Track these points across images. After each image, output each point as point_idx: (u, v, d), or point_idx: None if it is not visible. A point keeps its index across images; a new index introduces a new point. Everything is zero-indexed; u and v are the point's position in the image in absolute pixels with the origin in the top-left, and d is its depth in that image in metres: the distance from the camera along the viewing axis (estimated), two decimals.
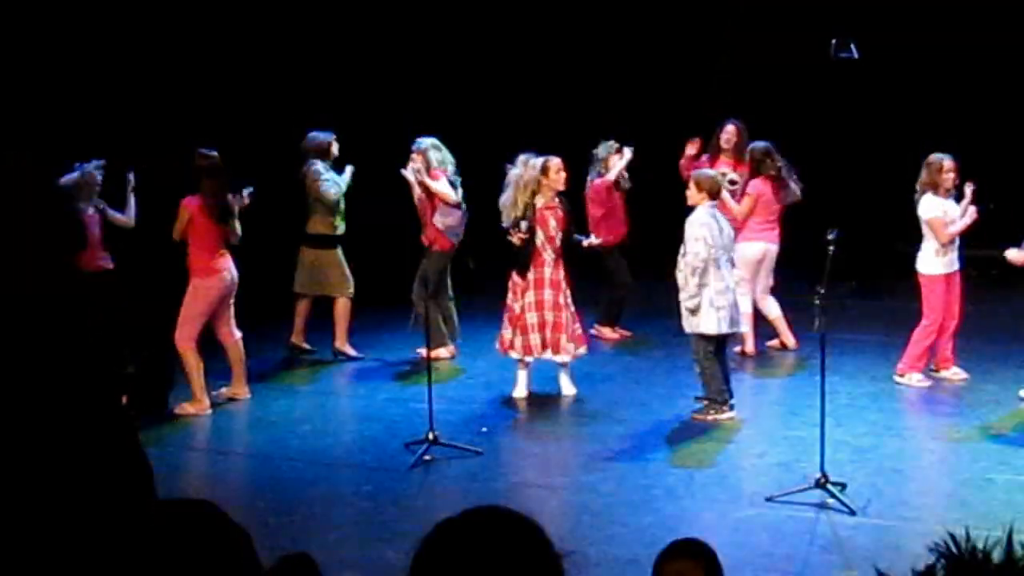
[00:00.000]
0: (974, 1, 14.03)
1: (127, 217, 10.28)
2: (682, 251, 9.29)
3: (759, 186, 10.91)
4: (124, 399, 7.30)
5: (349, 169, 10.98)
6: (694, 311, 9.20)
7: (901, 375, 10.07)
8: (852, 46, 13.15)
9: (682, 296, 9.26)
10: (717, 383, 9.33)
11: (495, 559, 1.98)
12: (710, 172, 9.88)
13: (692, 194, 9.35)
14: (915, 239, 10.12)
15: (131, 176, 10.29)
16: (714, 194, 9.34)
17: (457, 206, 10.87)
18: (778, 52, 14.48)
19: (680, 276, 9.29)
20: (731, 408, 9.38)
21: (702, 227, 9.15)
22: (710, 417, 9.30)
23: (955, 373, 10.19)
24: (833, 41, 13.22)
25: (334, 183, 10.83)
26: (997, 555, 1.26)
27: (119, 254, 10.13)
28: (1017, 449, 8.61)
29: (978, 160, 10.62)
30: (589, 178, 11.70)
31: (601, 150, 11.65)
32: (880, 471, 8.21)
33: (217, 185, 9.65)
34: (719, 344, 9.41)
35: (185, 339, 9.60)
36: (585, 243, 10.17)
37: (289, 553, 4.39)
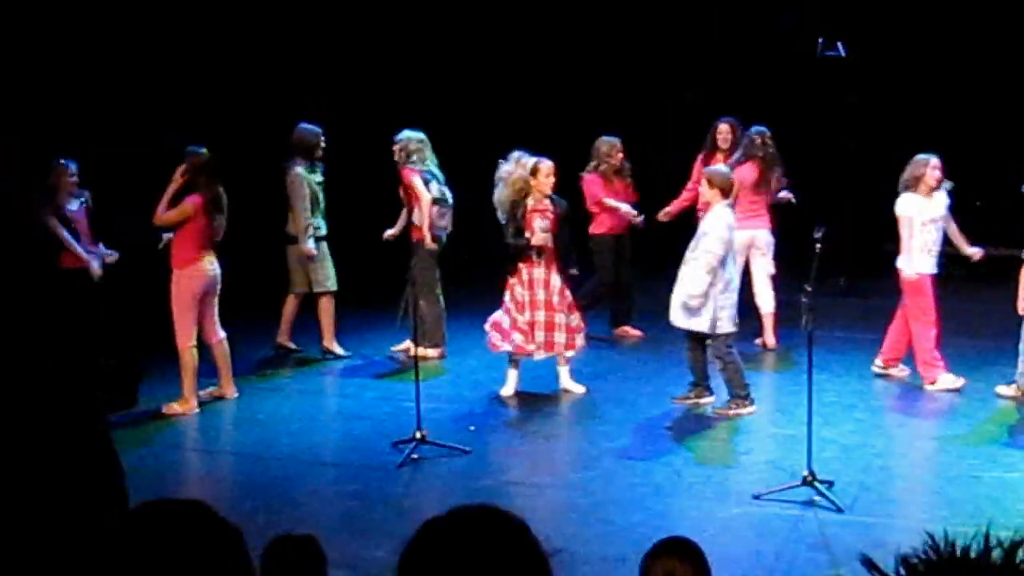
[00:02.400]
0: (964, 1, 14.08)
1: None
2: (692, 246, 9.27)
3: (742, 171, 10.93)
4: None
5: None
6: (694, 309, 9.18)
7: (932, 383, 9.87)
8: (839, 44, 13.17)
9: (688, 291, 9.22)
10: (739, 379, 9.35)
11: (483, 558, 1.98)
12: (723, 169, 9.84)
13: (705, 191, 9.38)
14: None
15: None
16: (727, 191, 9.31)
17: (433, 203, 10.79)
18: (766, 49, 14.51)
19: (686, 270, 9.26)
20: (752, 402, 9.41)
21: (727, 228, 9.15)
22: (732, 412, 9.34)
23: (900, 370, 10.20)
24: (820, 39, 13.24)
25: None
26: (976, 552, 1.27)
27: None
28: (1003, 447, 8.63)
29: (966, 158, 10.64)
30: (586, 170, 11.67)
31: (604, 146, 11.61)
32: (867, 469, 8.22)
33: (214, 181, 9.62)
34: (700, 339, 9.43)
35: (184, 338, 9.59)
36: (570, 271, 10.14)
37: (290, 534, 4.40)
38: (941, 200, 9.89)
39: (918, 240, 9.76)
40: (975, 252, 10.10)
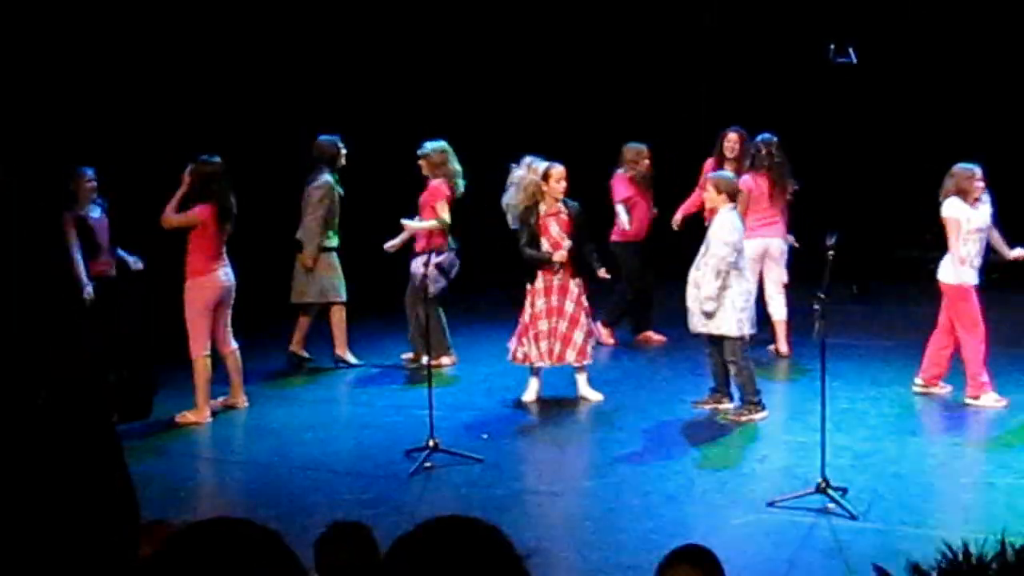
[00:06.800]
0: (973, 4, 14.05)
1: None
2: (703, 251, 9.29)
3: (748, 181, 10.88)
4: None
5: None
6: (711, 314, 9.20)
7: (976, 398, 9.67)
8: (851, 50, 13.15)
9: (700, 296, 9.25)
10: (752, 385, 9.36)
11: (456, 565, 2.02)
12: (728, 175, 9.85)
13: (711, 196, 9.39)
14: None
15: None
16: (732, 196, 9.37)
17: (443, 236, 10.74)
18: (776, 55, 14.51)
19: (697, 275, 9.27)
20: (764, 408, 9.43)
21: (733, 231, 9.18)
22: (744, 418, 9.35)
23: (942, 388, 9.95)
24: (831, 45, 13.22)
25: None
26: (993, 561, 1.27)
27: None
28: (1018, 453, 8.60)
29: (984, 161, 10.59)
30: (616, 171, 11.69)
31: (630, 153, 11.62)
32: (881, 476, 8.20)
33: (225, 190, 9.61)
34: (719, 345, 9.44)
35: (197, 347, 9.61)
36: (599, 273, 10.14)
37: (340, 521, 4.45)
38: (985, 210, 9.72)
39: (962, 249, 9.54)
40: (1018, 253, 9.87)
